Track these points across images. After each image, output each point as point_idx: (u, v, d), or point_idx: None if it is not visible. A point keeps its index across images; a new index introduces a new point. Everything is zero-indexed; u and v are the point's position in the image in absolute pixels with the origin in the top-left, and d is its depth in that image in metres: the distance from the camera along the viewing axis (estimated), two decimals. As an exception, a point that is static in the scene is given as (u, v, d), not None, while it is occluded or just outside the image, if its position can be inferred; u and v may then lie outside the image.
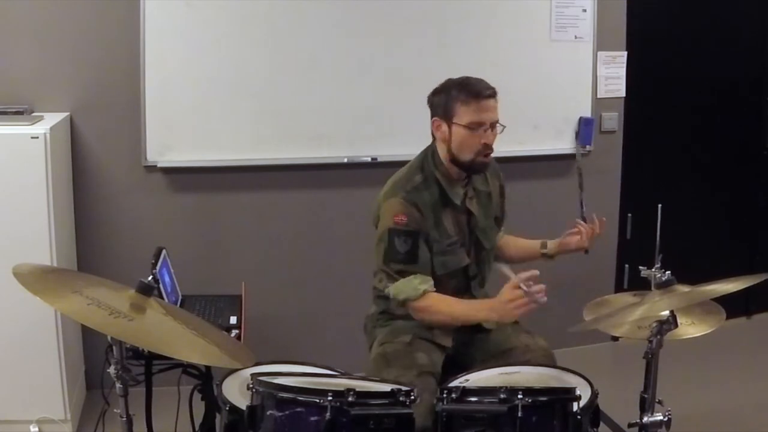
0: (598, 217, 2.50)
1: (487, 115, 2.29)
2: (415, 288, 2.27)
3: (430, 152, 2.40)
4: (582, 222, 2.50)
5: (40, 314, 2.71)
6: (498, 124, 2.32)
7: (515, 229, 2.67)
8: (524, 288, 2.08)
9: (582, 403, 1.89)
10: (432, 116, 2.38)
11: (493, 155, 2.42)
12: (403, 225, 2.28)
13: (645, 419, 1.99)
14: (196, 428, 2.34)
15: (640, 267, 2.13)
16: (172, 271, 2.65)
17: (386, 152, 3.47)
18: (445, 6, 3.54)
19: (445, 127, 2.33)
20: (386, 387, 1.90)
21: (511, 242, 2.68)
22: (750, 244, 4.42)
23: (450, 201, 2.37)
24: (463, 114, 2.29)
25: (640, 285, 2.19)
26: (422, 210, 2.31)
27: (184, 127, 3.34)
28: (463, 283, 2.43)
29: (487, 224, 2.47)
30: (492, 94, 2.31)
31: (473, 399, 1.86)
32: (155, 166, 3.35)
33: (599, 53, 3.81)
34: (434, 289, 2.30)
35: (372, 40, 3.49)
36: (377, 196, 2.40)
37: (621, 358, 4.01)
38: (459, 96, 2.29)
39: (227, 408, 1.95)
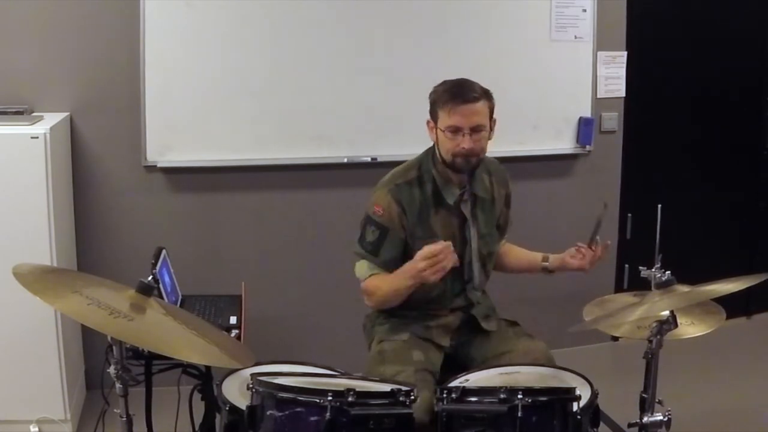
0: (602, 241, 2.42)
1: (465, 120, 2.23)
2: (365, 271, 2.36)
3: (432, 150, 2.41)
4: (587, 247, 2.41)
5: (40, 314, 2.72)
6: (484, 129, 2.26)
7: (514, 228, 2.66)
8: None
9: (582, 403, 1.89)
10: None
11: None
12: (378, 216, 2.34)
13: (645, 419, 1.99)
14: (196, 428, 2.34)
15: (640, 267, 2.12)
16: (172, 271, 2.65)
17: (386, 152, 3.47)
18: (445, 6, 3.53)
19: (434, 128, 2.33)
20: (386, 387, 1.90)
21: (513, 251, 2.66)
22: (750, 244, 4.41)
23: (443, 201, 2.36)
24: (443, 118, 2.27)
25: (640, 285, 2.18)
26: (405, 206, 2.33)
27: (184, 127, 3.34)
28: (458, 285, 2.42)
29: (487, 230, 2.45)
30: (474, 98, 2.24)
31: (473, 399, 1.86)
32: (155, 166, 3.35)
33: (599, 53, 3.81)
34: None
35: (372, 40, 3.49)
36: None
37: (621, 358, 4.01)
38: (440, 100, 2.28)
39: (227, 408, 1.96)
